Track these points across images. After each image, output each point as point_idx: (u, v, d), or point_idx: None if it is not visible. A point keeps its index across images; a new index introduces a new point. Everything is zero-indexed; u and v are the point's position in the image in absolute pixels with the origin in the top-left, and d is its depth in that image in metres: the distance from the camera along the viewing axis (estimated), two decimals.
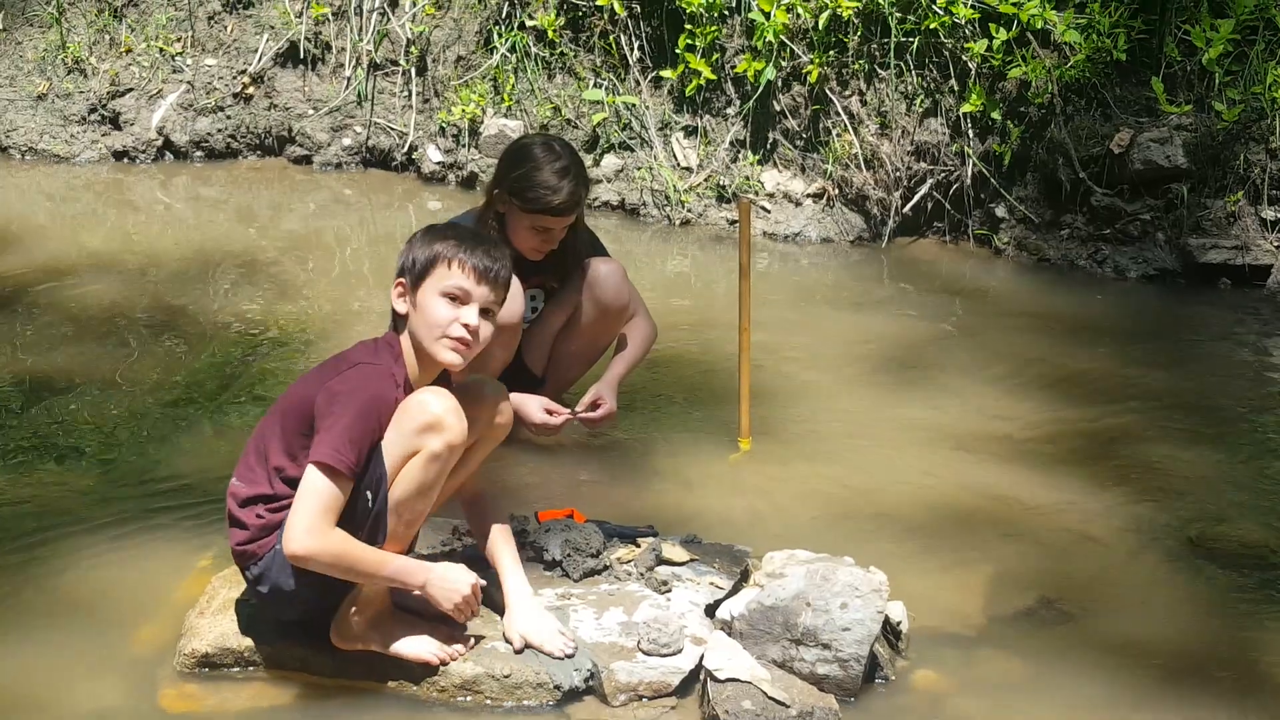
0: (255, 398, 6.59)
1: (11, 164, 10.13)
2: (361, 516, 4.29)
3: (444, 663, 4.41)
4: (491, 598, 4.57)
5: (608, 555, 4.87)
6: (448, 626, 4.48)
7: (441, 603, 4.39)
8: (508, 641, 4.47)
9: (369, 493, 4.29)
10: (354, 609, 4.41)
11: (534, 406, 5.79)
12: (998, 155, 8.77)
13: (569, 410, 5.88)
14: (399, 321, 4.47)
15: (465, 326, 4.39)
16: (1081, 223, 8.63)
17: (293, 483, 4.34)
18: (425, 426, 4.28)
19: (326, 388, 4.33)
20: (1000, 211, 8.80)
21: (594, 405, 5.87)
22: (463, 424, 4.34)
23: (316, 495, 4.22)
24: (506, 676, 4.39)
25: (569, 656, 4.41)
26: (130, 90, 10.26)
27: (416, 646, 4.42)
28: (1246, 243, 8.33)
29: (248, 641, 4.52)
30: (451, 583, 4.40)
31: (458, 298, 4.39)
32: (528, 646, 4.44)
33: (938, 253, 8.95)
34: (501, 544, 4.63)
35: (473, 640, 4.47)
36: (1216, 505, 5.84)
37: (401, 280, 4.44)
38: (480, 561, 4.64)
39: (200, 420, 6.39)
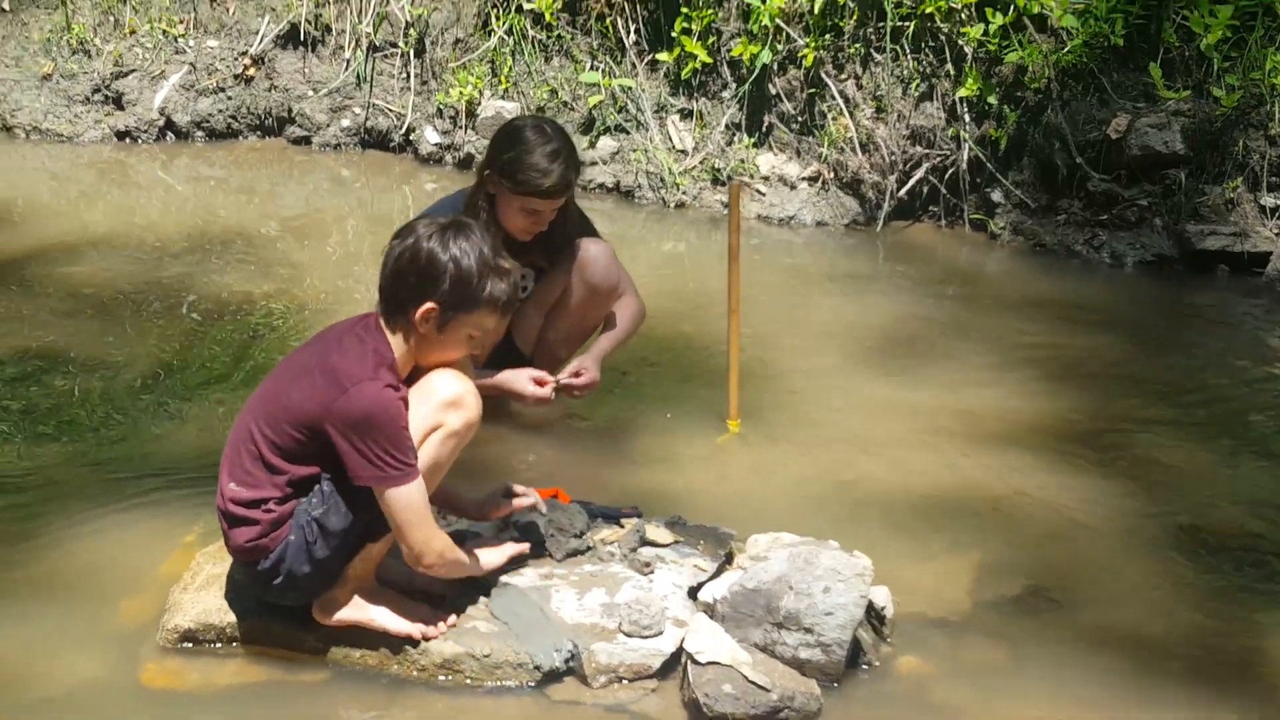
0: (248, 378, 6.57)
1: (16, 143, 10.15)
2: (371, 503, 4.29)
3: (426, 638, 4.42)
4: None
5: (591, 536, 4.87)
6: (430, 603, 4.50)
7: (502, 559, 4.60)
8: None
9: None
10: (337, 584, 4.43)
11: (523, 379, 5.78)
12: (994, 140, 8.76)
13: (554, 378, 5.87)
14: (402, 326, 4.37)
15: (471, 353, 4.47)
16: (1078, 208, 8.60)
17: (298, 484, 4.34)
18: (448, 403, 4.34)
19: (342, 415, 4.21)
20: (996, 196, 8.78)
21: (576, 374, 5.87)
22: (479, 406, 4.40)
23: (415, 510, 4.25)
24: (486, 656, 4.40)
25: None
26: (133, 71, 10.25)
27: (399, 622, 4.43)
28: (1245, 229, 8.30)
29: (231, 617, 4.53)
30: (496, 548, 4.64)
31: (478, 336, 4.42)
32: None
33: (933, 237, 8.92)
34: None
35: (454, 618, 4.48)
36: (1209, 494, 5.83)
37: (433, 307, 4.33)
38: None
39: (189, 398, 6.37)
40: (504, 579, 4.62)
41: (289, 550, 4.34)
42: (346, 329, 4.45)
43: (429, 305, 4.32)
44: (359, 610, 4.44)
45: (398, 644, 4.43)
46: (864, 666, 4.55)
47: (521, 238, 5.75)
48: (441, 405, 4.32)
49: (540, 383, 5.80)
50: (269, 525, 4.34)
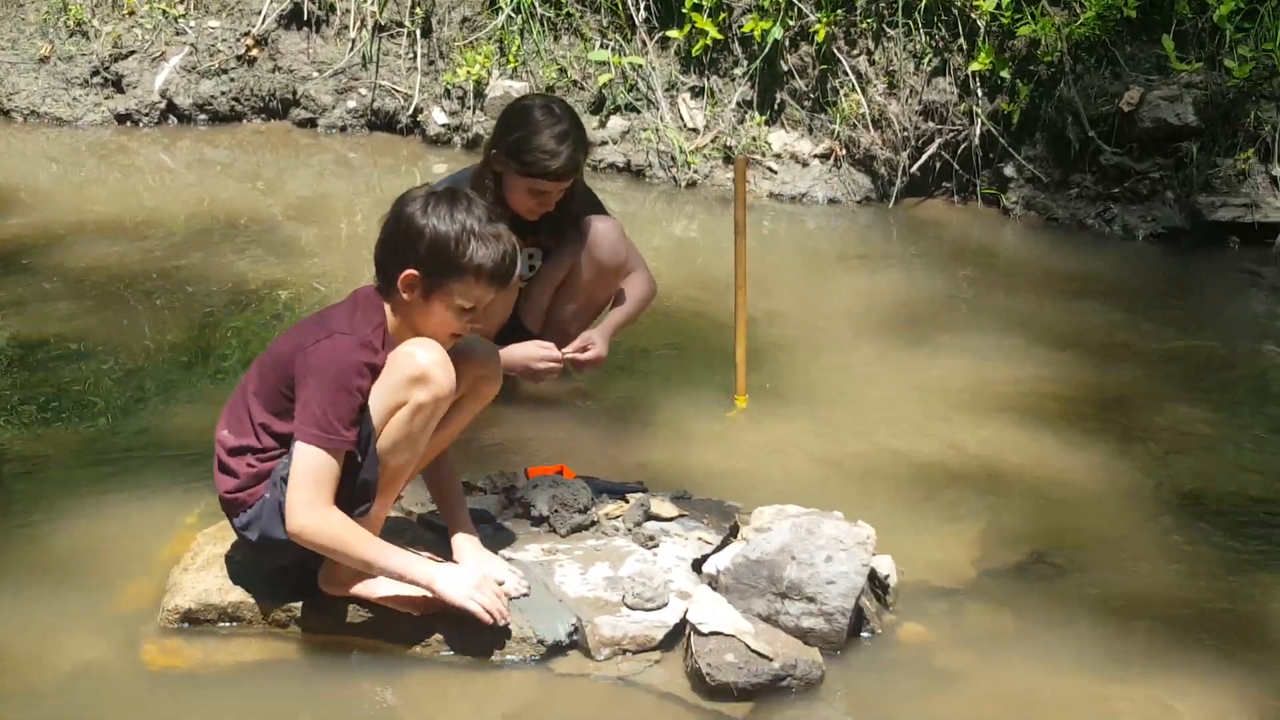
0: (251, 359, 6.53)
1: (14, 127, 10.08)
2: (348, 475, 4.25)
3: (430, 611, 4.36)
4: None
5: (595, 511, 4.84)
6: None
7: (459, 600, 4.31)
8: None
9: (356, 451, 4.26)
10: None
11: (531, 348, 5.78)
12: (1006, 114, 8.71)
13: (561, 351, 5.85)
14: (392, 295, 4.34)
15: (470, 326, 4.38)
16: (1090, 182, 8.57)
17: (279, 438, 4.33)
18: (412, 379, 4.24)
19: (303, 354, 4.25)
20: (1009, 171, 8.74)
21: (583, 348, 5.84)
22: (450, 376, 4.29)
23: (310, 473, 4.19)
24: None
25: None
26: (133, 53, 10.18)
27: (403, 589, 4.36)
28: (1256, 200, 8.28)
29: (231, 597, 4.50)
30: (466, 577, 4.36)
31: (471, 309, 4.35)
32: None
33: (945, 213, 8.89)
34: (455, 495, 4.62)
35: None
36: (1216, 463, 5.83)
37: (414, 273, 4.29)
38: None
39: (195, 381, 6.38)
40: (505, 553, 4.58)
41: (264, 509, 4.32)
42: (346, 299, 4.47)
43: (409, 271, 4.29)
44: (364, 581, 4.38)
45: (403, 620, 4.38)
46: (867, 635, 4.54)
47: (528, 218, 5.71)
48: (405, 382, 4.24)
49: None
50: (249, 479, 4.35)
